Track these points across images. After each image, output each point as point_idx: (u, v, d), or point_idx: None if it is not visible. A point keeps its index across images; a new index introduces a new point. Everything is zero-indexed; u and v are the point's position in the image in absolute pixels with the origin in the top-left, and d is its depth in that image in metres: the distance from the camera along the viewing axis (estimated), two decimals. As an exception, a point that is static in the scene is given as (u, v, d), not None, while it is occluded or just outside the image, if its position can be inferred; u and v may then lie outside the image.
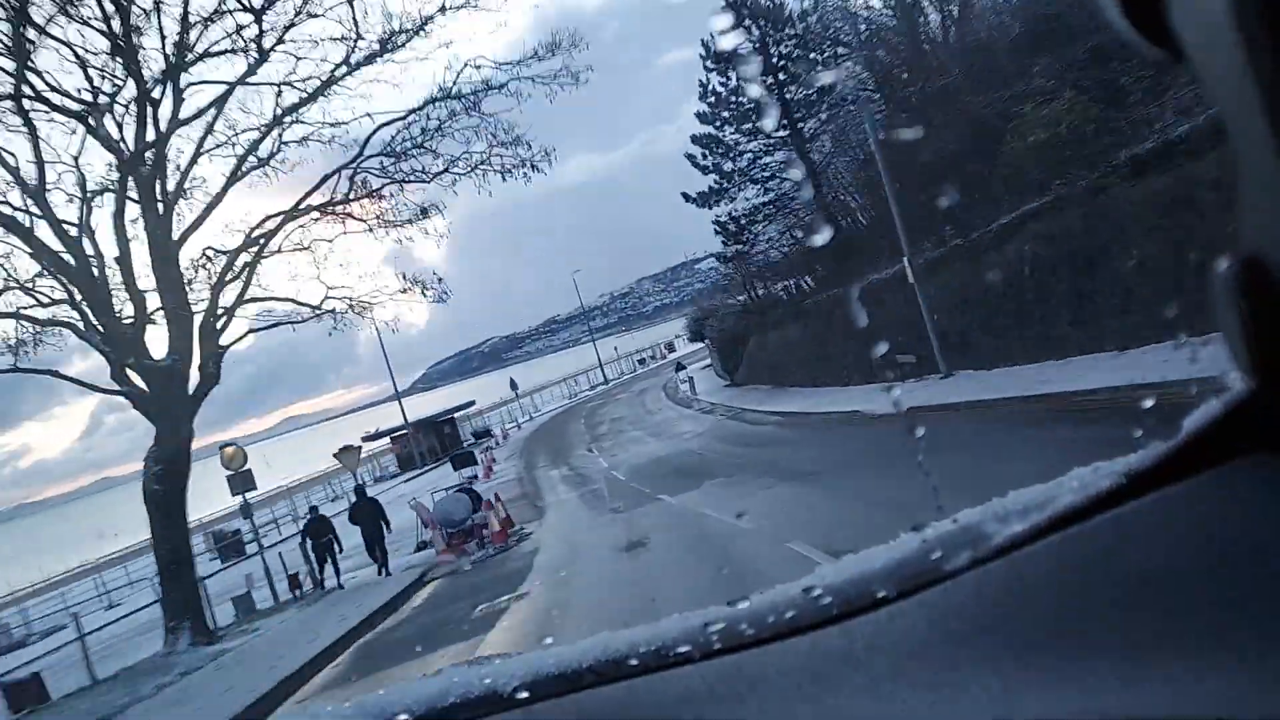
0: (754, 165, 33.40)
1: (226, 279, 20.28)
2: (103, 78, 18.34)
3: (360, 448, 31.68)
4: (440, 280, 24.04)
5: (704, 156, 33.69)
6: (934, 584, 0.75)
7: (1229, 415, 0.61)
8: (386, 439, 54.45)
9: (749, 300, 38.12)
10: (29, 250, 18.00)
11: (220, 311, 20.08)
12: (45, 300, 18.86)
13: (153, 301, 18.96)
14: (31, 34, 16.91)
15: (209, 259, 20.62)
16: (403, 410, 50.49)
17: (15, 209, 17.94)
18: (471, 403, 57.16)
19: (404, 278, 23.73)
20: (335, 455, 28.92)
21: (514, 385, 65.90)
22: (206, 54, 19.44)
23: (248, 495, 21.78)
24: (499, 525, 18.85)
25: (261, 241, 20.89)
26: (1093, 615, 0.62)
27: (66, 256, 17.91)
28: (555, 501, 23.21)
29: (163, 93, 18.88)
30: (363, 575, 20.93)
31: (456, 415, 57.18)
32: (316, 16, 20.01)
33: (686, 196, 33.73)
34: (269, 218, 21.16)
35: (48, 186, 18.20)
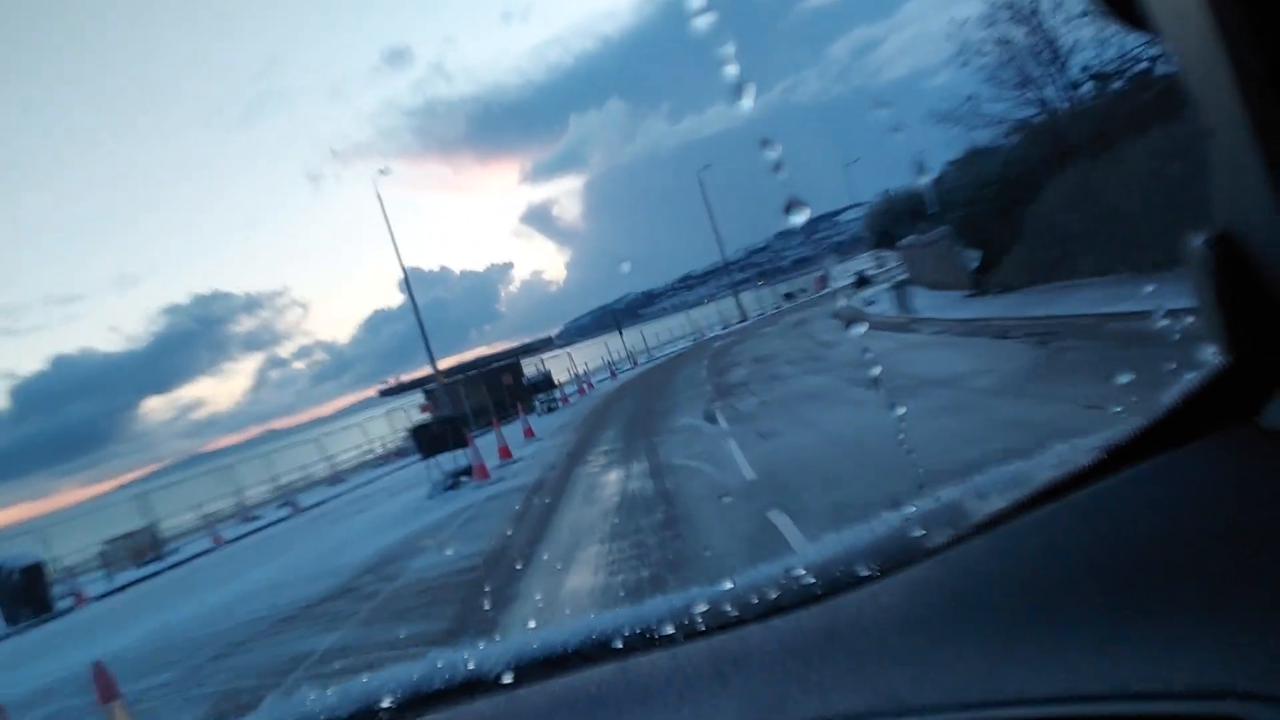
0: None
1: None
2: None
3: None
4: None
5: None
6: (916, 561, 0.74)
7: (1205, 390, 0.60)
8: (418, 394, 37.64)
9: (1034, 130, 18.72)
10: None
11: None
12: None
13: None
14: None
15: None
16: (433, 362, 34.06)
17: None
18: (549, 340, 39.86)
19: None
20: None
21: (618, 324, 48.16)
22: None
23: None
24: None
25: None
26: (1073, 589, 0.62)
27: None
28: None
29: None
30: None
31: (528, 358, 39.82)
32: None
33: None
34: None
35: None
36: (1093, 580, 0.61)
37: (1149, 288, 9.01)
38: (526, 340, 39.46)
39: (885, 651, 0.69)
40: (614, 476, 11.91)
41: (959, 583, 0.69)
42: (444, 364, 36.63)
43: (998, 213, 19.67)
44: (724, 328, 53.51)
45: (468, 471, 16.02)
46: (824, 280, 59.64)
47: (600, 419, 21.60)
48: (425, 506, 15.35)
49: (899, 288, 24.58)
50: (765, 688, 0.72)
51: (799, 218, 1.06)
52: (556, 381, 35.32)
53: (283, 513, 27.36)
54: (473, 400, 35.25)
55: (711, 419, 13.87)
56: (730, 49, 1.00)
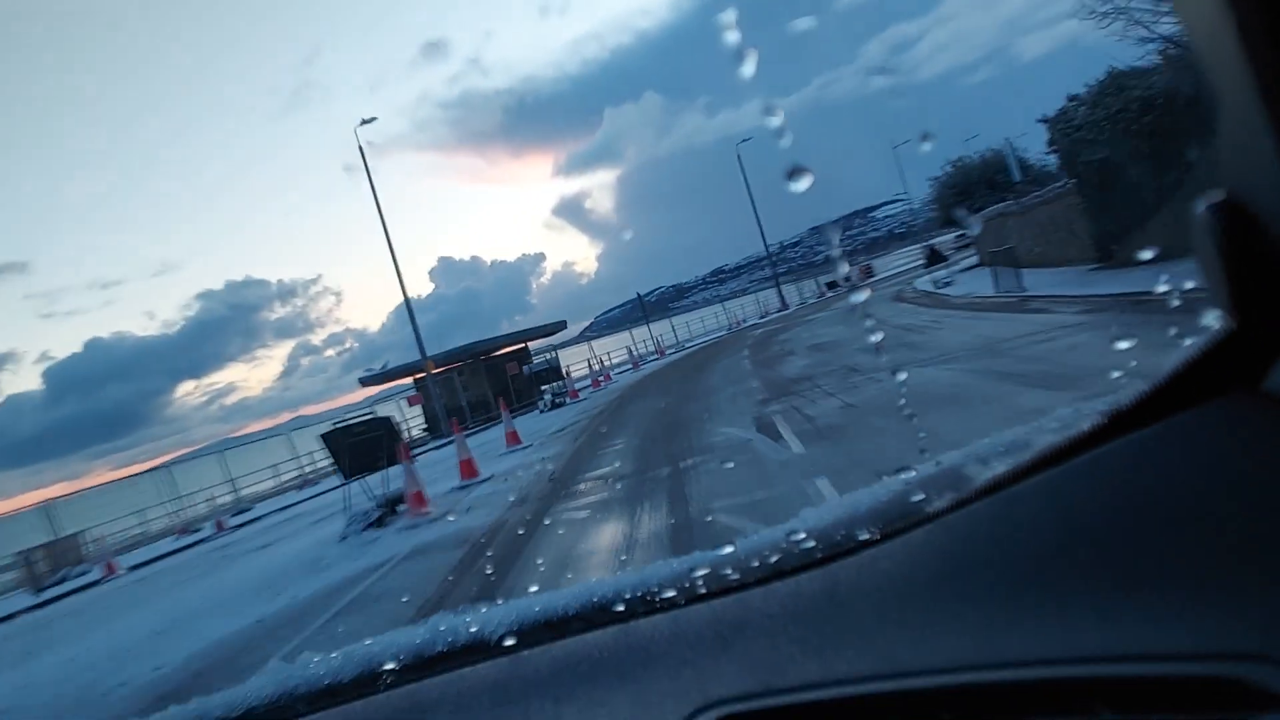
0: None
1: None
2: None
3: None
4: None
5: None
6: (916, 526, 0.73)
7: (1209, 354, 0.60)
8: (408, 382, 32.41)
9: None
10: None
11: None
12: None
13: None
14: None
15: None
16: (422, 347, 28.69)
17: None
18: (563, 324, 34.76)
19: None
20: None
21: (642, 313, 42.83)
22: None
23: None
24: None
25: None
26: (1073, 555, 0.62)
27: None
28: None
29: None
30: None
31: (537, 343, 34.56)
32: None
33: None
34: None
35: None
36: (1094, 545, 0.61)
37: None
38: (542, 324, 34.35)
39: (885, 615, 0.69)
40: (607, 536, 6.68)
41: (960, 547, 0.69)
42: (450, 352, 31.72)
43: (1150, 155, 14.16)
44: (762, 316, 48.21)
45: (400, 500, 10.85)
46: (869, 269, 55.18)
47: (610, 423, 16.38)
48: (325, 557, 10.20)
49: (996, 262, 19.10)
50: (766, 651, 0.73)
51: (802, 183, 1.05)
52: (566, 372, 30.00)
53: (207, 532, 22.38)
54: (470, 392, 30.25)
55: (770, 431, 8.64)
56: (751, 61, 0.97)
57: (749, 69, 0.97)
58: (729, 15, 0.96)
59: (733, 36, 0.94)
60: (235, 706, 1.01)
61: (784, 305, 50.85)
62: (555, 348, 34.24)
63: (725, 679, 0.73)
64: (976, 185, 31.62)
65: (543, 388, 28.60)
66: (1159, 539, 0.58)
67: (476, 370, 31.71)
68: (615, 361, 42.27)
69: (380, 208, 28.07)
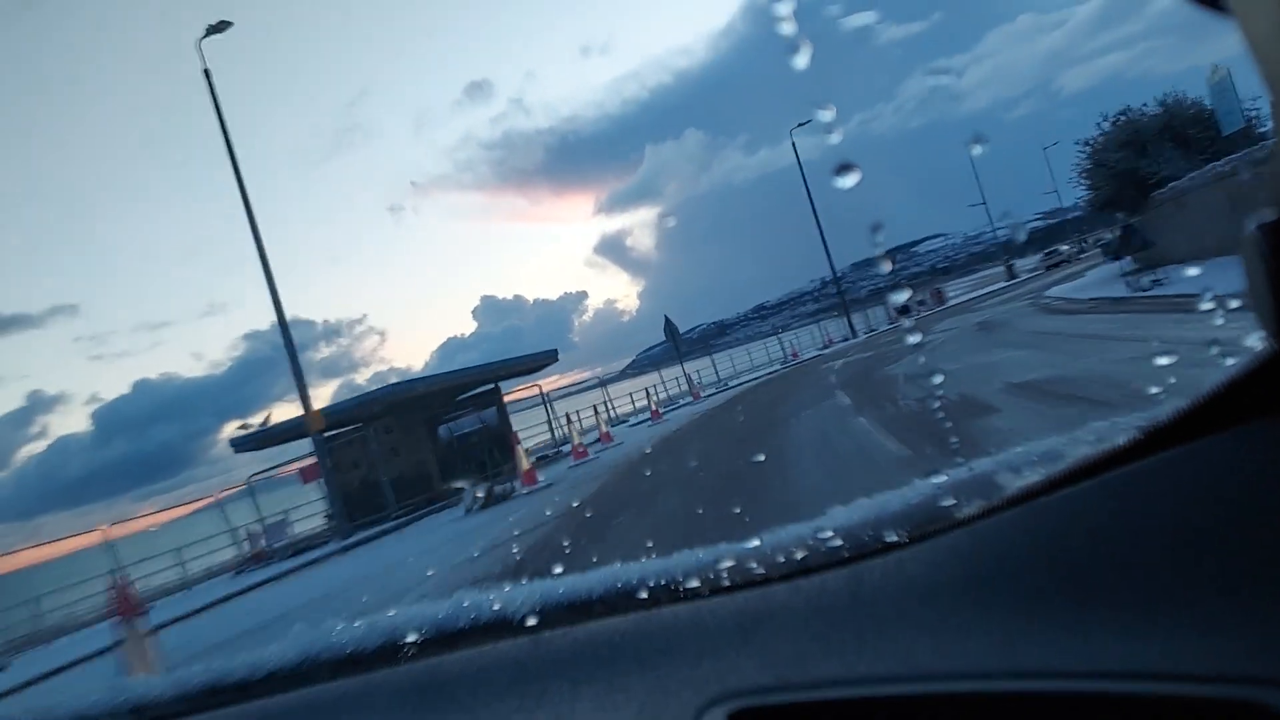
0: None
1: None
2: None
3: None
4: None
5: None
6: (945, 531, 0.72)
7: (1250, 375, 0.58)
8: (302, 450, 20.83)
9: None
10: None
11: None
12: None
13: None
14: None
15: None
16: (302, 388, 18.02)
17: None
18: (552, 355, 23.89)
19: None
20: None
21: (673, 331, 32.28)
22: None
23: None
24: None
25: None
26: (1101, 569, 0.60)
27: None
28: None
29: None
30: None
31: (514, 385, 24.10)
32: None
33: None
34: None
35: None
36: (1122, 561, 0.59)
37: None
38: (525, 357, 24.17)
39: (908, 618, 0.68)
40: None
41: (986, 554, 0.67)
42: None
43: None
44: (824, 347, 37.86)
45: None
46: (941, 293, 47.44)
47: (572, 544, 6.45)
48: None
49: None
50: (787, 646, 0.72)
51: (849, 180, 1.01)
52: (515, 441, 18.01)
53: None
54: (401, 460, 19.99)
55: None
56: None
57: (802, 61, 0.97)
58: (785, 7, 0.95)
59: (788, 28, 0.94)
60: (258, 669, 1.03)
61: (853, 333, 40.37)
62: (544, 393, 24.02)
63: (744, 672, 0.73)
64: (1158, 141, 21.01)
65: (484, 468, 18.56)
66: (1187, 558, 0.56)
67: (411, 426, 20.78)
68: (628, 410, 32.10)
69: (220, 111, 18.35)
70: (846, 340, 39.53)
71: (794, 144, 39.00)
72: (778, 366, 35.01)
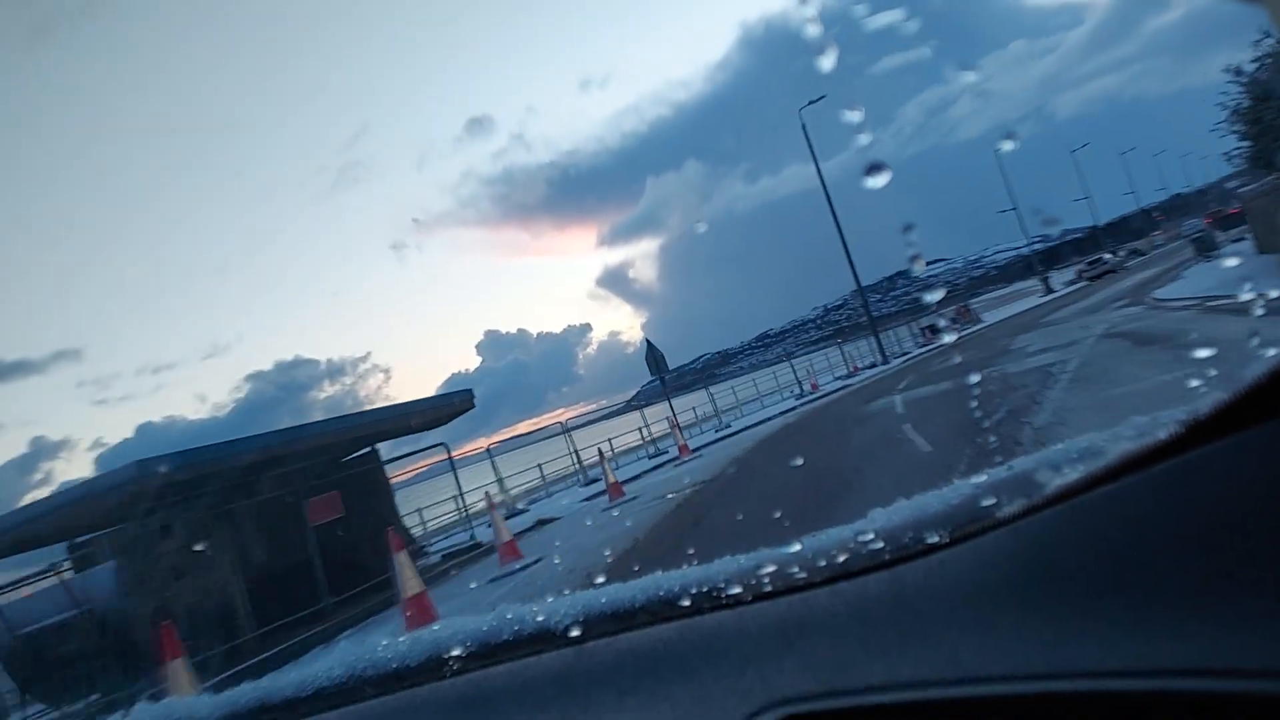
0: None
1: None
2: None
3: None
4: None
5: None
6: (986, 531, 0.71)
7: None
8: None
9: None
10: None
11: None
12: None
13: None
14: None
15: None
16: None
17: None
18: (466, 398, 15.88)
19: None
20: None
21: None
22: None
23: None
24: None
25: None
26: (1148, 565, 0.59)
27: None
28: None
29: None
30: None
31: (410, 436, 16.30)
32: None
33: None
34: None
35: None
36: (1168, 556, 0.58)
37: None
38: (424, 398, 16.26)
39: (952, 620, 0.67)
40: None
41: (1030, 554, 0.66)
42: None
43: None
44: (850, 375, 30.10)
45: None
46: (969, 310, 42.76)
47: None
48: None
49: None
50: (830, 651, 0.72)
51: (880, 179, 0.97)
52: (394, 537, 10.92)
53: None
54: (198, 592, 12.03)
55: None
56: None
57: (828, 63, 0.93)
58: (810, 10, 0.92)
59: (814, 30, 0.91)
60: (305, 687, 1.03)
61: (883, 357, 32.62)
62: (450, 458, 16.24)
63: (789, 678, 0.72)
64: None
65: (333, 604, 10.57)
66: (1234, 552, 0.55)
67: (234, 521, 12.15)
68: (566, 473, 24.16)
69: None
70: (875, 367, 31.83)
71: (803, 126, 31.64)
72: (793, 403, 27.12)
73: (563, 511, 16.30)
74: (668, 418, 25.78)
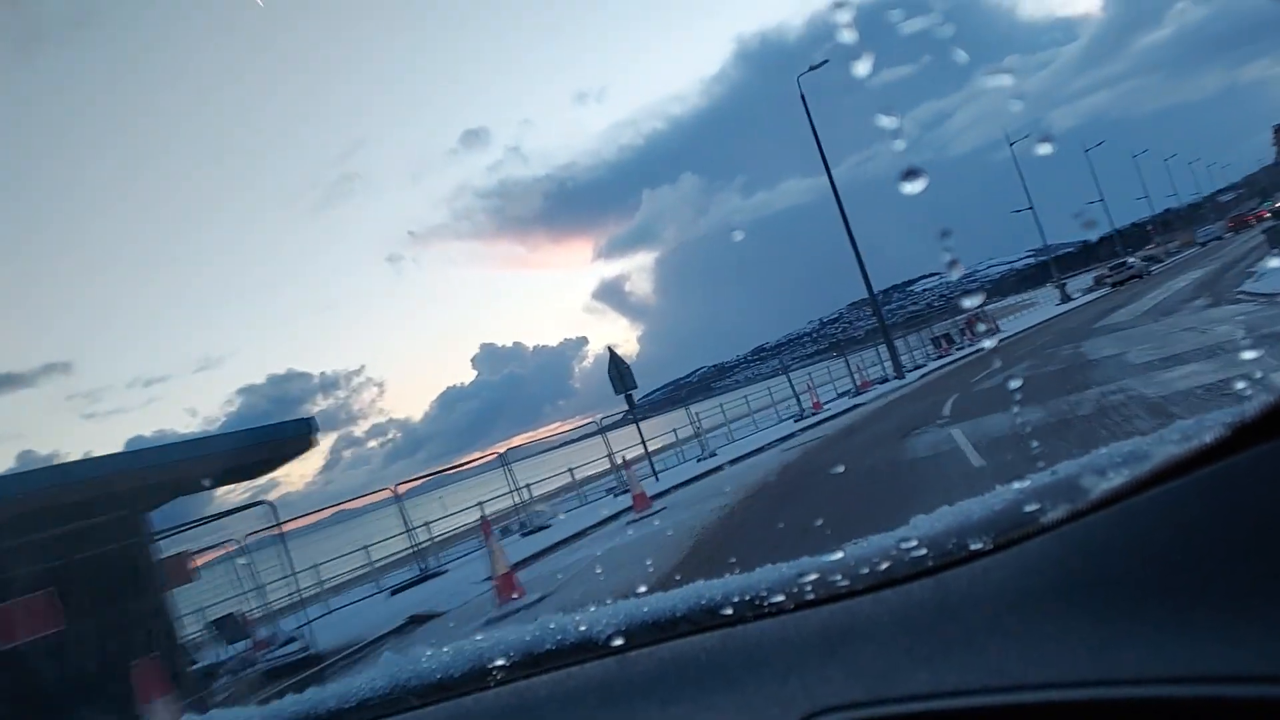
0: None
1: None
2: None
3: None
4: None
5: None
6: (1031, 537, 0.70)
7: None
8: None
9: None
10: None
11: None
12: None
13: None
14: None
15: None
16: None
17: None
18: (307, 426, 10.44)
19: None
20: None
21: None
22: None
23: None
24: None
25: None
26: (1195, 570, 0.58)
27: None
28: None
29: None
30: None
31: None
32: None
33: None
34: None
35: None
36: (1216, 560, 0.57)
37: None
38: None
39: (997, 627, 0.66)
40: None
41: (1075, 559, 0.65)
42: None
43: None
44: (856, 393, 24.92)
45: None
46: (978, 320, 36.94)
47: None
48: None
49: None
50: (874, 659, 0.71)
51: (917, 185, 0.97)
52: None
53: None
54: None
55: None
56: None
57: (863, 69, 0.90)
58: (845, 14, 0.90)
59: (849, 35, 0.90)
60: (349, 698, 1.02)
61: (898, 371, 27.36)
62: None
63: (833, 686, 0.71)
64: None
65: None
66: None
67: None
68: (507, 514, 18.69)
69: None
70: (887, 381, 26.67)
71: (802, 96, 26.54)
72: (791, 426, 21.79)
73: (452, 599, 10.99)
74: (638, 445, 20.59)
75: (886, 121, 0.94)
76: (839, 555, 0.84)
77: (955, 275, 0.94)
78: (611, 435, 21.07)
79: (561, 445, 24.85)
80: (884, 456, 10.52)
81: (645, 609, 0.88)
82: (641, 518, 12.64)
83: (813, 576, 0.82)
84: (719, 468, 17.38)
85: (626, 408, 19.76)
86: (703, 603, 0.86)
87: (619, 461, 17.13)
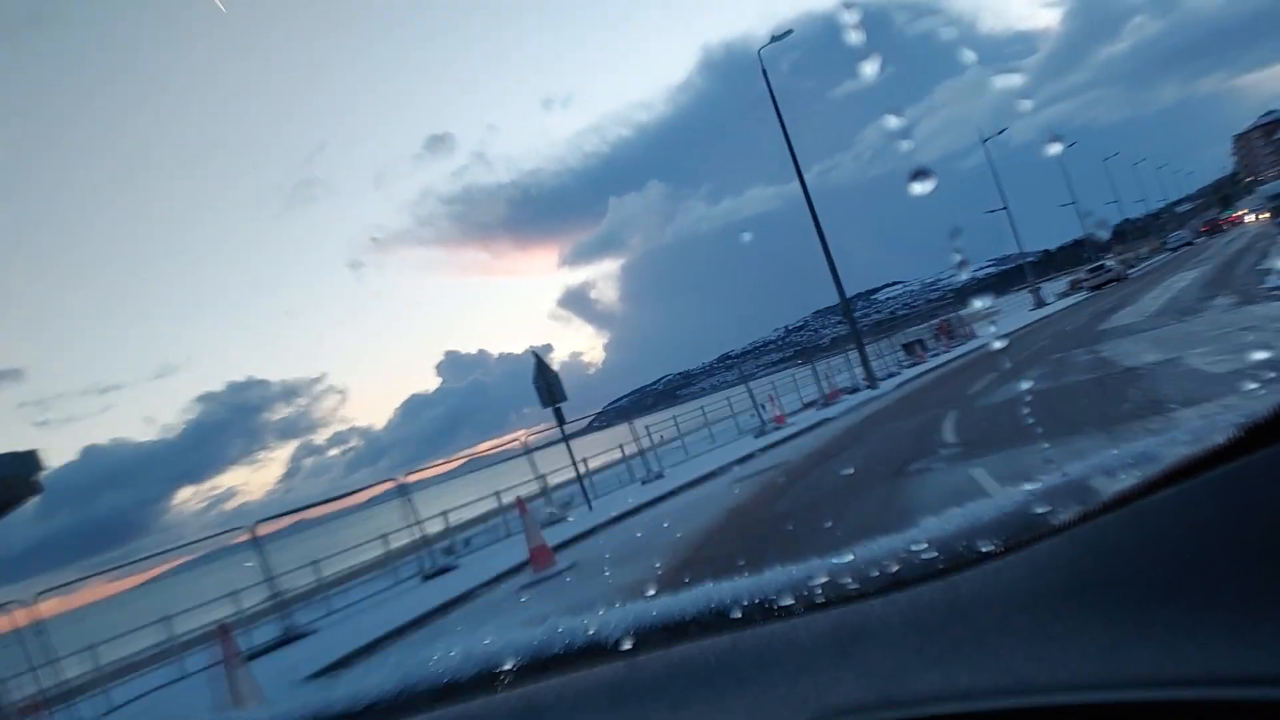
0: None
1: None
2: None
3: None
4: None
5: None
6: (1041, 538, 0.70)
7: None
8: None
9: None
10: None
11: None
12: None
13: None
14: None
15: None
16: None
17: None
18: (29, 461, 7.77)
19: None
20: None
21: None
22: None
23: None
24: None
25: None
26: (1205, 572, 0.58)
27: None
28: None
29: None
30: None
31: None
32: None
33: None
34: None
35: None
36: (1228, 562, 0.57)
37: None
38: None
39: (1008, 629, 0.66)
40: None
41: (1085, 561, 0.65)
42: None
43: None
44: (824, 404, 21.89)
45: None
46: (950, 326, 36.07)
47: None
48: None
49: None
50: (885, 661, 0.71)
51: (926, 185, 0.95)
52: None
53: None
54: None
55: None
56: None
57: (871, 70, 0.90)
58: (853, 15, 0.90)
59: (856, 36, 0.89)
60: (358, 700, 1.01)
61: (871, 380, 24.39)
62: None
63: (843, 688, 0.71)
64: None
65: None
66: None
67: None
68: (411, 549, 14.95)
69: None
70: (858, 391, 23.72)
71: (764, 70, 23.58)
72: (750, 444, 18.60)
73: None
74: (573, 464, 17.38)
75: (895, 122, 0.99)
76: (849, 557, 0.84)
77: (964, 276, 0.88)
78: (557, 450, 17.87)
79: (470, 472, 21.53)
80: (874, 513, 7.34)
81: (654, 611, 0.88)
82: (538, 581, 9.41)
83: (822, 579, 0.82)
84: (663, 496, 14.22)
85: (565, 419, 16.57)
86: (712, 605, 0.85)
87: (514, 499, 13.54)
